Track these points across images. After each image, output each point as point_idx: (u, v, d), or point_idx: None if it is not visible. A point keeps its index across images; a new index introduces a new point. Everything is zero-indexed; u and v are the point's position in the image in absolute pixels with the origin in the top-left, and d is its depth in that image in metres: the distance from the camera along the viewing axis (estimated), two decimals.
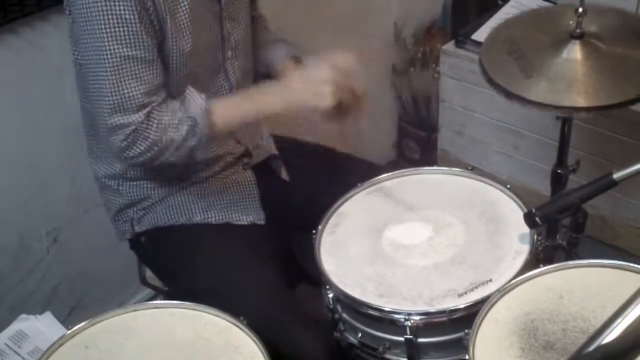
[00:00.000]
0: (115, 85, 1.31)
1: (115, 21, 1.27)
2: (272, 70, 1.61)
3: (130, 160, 1.39)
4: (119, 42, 1.28)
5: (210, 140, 1.41)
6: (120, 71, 1.30)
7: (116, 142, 1.35)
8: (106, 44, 1.28)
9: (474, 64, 1.67)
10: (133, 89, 1.32)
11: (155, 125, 1.35)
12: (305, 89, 1.37)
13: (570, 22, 1.55)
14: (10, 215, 1.78)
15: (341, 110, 1.38)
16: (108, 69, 1.30)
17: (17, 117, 1.70)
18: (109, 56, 1.29)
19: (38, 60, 1.68)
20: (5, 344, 1.38)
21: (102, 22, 1.27)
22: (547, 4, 2.30)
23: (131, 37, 1.29)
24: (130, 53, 1.30)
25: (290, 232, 1.69)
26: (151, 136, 1.35)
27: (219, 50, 1.48)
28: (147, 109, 1.34)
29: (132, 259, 1.70)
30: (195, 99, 1.39)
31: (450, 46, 2.44)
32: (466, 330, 1.21)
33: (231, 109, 1.43)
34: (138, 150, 1.36)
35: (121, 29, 1.28)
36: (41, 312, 1.44)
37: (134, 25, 1.28)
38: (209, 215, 1.56)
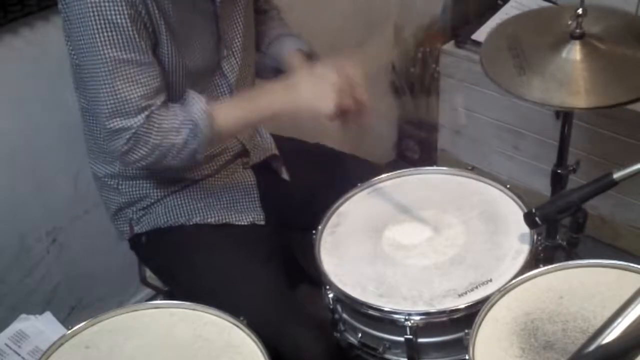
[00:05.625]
0: (112, 89, 1.31)
1: (107, 26, 1.27)
2: (281, 64, 1.60)
3: (132, 164, 1.39)
4: (112, 46, 1.29)
5: (212, 143, 1.41)
6: (116, 75, 1.30)
7: (117, 146, 1.35)
8: (100, 48, 1.28)
9: (474, 64, 1.67)
10: (130, 92, 1.32)
11: (155, 129, 1.35)
12: (308, 91, 1.37)
13: (570, 22, 1.55)
14: (10, 215, 1.78)
15: (342, 116, 1.38)
16: (103, 73, 1.30)
17: (17, 117, 1.70)
18: (104, 60, 1.29)
19: (38, 60, 1.68)
20: (5, 344, 1.38)
21: (95, 27, 1.27)
22: (547, 4, 2.30)
23: (125, 41, 1.29)
24: (124, 56, 1.30)
25: (290, 232, 1.69)
26: (151, 140, 1.35)
27: (215, 49, 1.48)
28: (147, 112, 1.34)
29: (132, 259, 1.70)
30: (196, 102, 1.38)
31: (450, 46, 2.44)
32: (466, 330, 1.21)
33: (233, 111, 1.43)
34: (139, 154, 1.36)
35: (114, 34, 1.28)
36: (41, 312, 1.44)
37: (126, 29, 1.28)
38: (209, 215, 1.56)
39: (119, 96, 1.32)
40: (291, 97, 1.39)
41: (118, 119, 1.33)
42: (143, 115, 1.34)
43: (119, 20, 1.27)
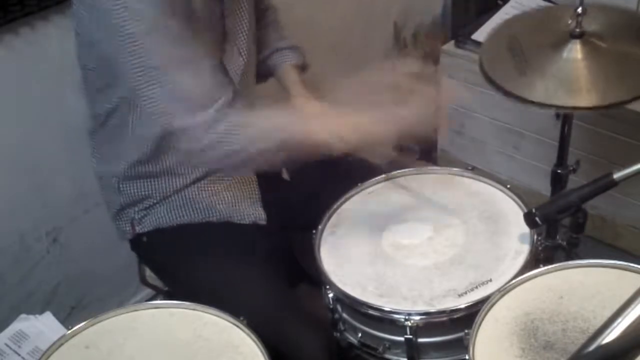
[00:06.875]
0: (171, 88, 1.27)
1: (153, 30, 1.24)
2: (276, 77, 1.64)
3: (205, 165, 1.39)
4: (164, 45, 1.26)
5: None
6: (171, 74, 1.27)
7: (191, 145, 1.31)
8: (151, 51, 1.25)
9: (474, 64, 1.66)
10: (191, 89, 1.28)
11: (237, 135, 1.29)
12: (324, 127, 1.35)
13: (570, 22, 1.55)
14: (10, 215, 1.78)
15: None
16: (157, 75, 1.26)
17: (17, 117, 1.70)
18: (157, 60, 1.25)
19: (38, 60, 1.68)
20: (5, 344, 1.38)
21: (144, 34, 1.23)
22: (547, 4, 2.30)
23: (174, 38, 1.26)
24: (177, 53, 1.27)
25: (290, 232, 1.69)
26: (234, 144, 1.29)
27: (219, 47, 1.47)
28: (216, 105, 1.28)
29: (132, 259, 1.70)
30: (288, 113, 1.37)
31: (450, 46, 2.44)
32: (466, 330, 1.21)
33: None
34: (217, 154, 1.31)
35: (162, 34, 1.25)
36: (41, 312, 1.44)
37: (172, 27, 1.26)
38: (210, 215, 1.56)
39: (178, 95, 1.27)
40: (304, 127, 1.35)
41: (184, 117, 1.28)
42: (211, 111, 1.28)
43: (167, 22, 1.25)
